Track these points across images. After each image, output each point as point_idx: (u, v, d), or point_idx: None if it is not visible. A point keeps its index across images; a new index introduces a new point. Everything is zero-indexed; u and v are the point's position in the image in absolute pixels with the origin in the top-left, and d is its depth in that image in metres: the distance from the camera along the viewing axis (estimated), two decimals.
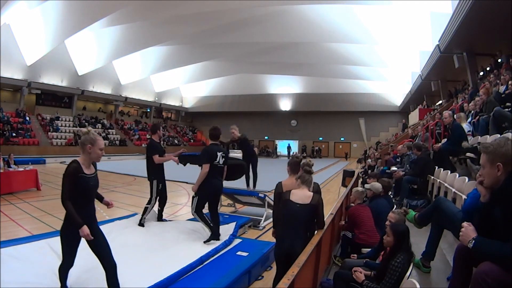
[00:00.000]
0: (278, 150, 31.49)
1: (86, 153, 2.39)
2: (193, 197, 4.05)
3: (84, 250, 2.46)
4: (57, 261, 3.09)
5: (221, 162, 4.01)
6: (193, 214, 4.07)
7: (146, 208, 4.57)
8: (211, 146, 4.05)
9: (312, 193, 2.60)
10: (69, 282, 2.57)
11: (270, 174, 12.83)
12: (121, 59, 22.13)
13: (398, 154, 6.96)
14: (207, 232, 4.15)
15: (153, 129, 4.74)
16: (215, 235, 3.92)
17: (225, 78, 28.07)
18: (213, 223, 4.06)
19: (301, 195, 2.57)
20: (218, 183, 4.08)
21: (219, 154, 3.98)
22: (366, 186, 3.94)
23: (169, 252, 3.43)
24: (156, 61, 23.18)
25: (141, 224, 4.51)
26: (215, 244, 3.82)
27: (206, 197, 4.03)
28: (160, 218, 4.81)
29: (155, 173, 4.55)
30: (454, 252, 1.80)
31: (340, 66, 21.63)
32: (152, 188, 4.57)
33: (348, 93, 26.51)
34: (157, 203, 4.71)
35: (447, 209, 2.48)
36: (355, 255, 3.09)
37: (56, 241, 3.71)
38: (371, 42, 16.91)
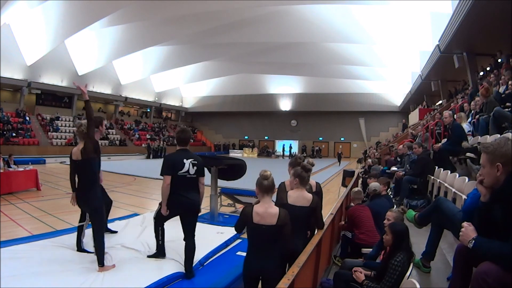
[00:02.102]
0: (285, 151, 29.99)
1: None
2: (160, 202, 3.20)
3: None
4: (57, 261, 3.10)
5: (191, 172, 3.07)
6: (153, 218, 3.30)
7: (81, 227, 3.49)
8: (175, 153, 3.16)
9: (311, 195, 2.54)
10: None
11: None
12: (121, 59, 22.14)
13: (398, 154, 6.96)
14: (207, 232, 4.15)
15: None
16: (160, 252, 3.27)
17: (225, 78, 28.09)
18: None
19: (300, 198, 2.51)
20: (185, 200, 3.05)
21: (187, 162, 3.06)
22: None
23: (169, 252, 3.42)
24: (156, 61, 23.20)
25: (80, 247, 3.41)
26: (215, 244, 3.82)
27: (171, 212, 3.11)
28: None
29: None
30: (454, 252, 1.80)
31: (341, 66, 21.65)
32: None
33: (348, 93, 26.54)
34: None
35: (447, 209, 2.48)
36: (361, 258, 2.96)
37: (56, 241, 3.73)
38: (371, 43, 16.93)
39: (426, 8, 12.82)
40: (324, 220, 2.73)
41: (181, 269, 3.08)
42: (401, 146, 6.90)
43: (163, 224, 3.22)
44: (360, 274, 2.29)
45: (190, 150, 3.25)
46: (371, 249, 2.98)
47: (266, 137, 32.01)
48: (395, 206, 3.86)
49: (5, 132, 17.13)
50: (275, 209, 2.18)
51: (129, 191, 8.90)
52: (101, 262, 2.96)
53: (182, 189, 3.04)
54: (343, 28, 16.04)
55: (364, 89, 25.83)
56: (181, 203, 3.06)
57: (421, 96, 18.92)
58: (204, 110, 32.21)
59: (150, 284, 2.71)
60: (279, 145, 31.44)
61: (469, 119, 5.64)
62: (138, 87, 26.70)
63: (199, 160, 3.18)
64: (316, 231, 2.66)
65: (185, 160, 3.06)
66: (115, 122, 26.11)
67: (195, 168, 3.10)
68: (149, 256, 3.31)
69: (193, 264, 3.13)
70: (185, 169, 3.05)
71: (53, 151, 18.68)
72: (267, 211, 2.16)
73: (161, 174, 3.02)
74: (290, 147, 29.51)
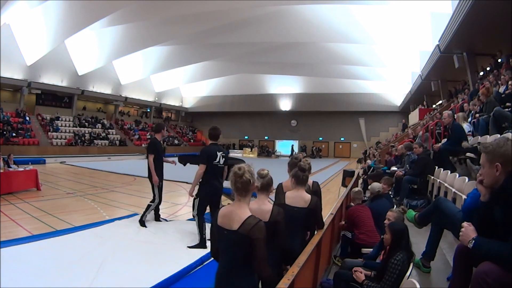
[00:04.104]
0: (293, 151, 28.53)
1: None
2: (194, 199, 4.03)
3: None
4: (57, 261, 3.11)
5: (221, 162, 3.93)
6: (193, 216, 4.07)
7: (149, 206, 4.63)
8: (210, 146, 3.99)
9: (310, 196, 2.51)
10: None
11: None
12: (121, 59, 22.13)
13: (397, 154, 6.95)
14: (208, 231, 4.16)
15: (157, 128, 4.95)
16: (202, 244, 3.81)
17: (225, 78, 28.07)
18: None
19: (298, 199, 2.48)
20: (218, 184, 4.00)
21: (219, 154, 3.90)
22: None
23: (170, 252, 3.43)
24: (156, 61, 23.19)
25: (142, 221, 4.52)
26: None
27: (207, 198, 3.97)
28: (157, 218, 4.85)
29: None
30: (454, 252, 1.80)
31: (341, 66, 21.64)
32: (153, 187, 4.58)
33: (348, 93, 26.52)
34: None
35: (447, 209, 2.48)
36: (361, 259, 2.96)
37: (56, 241, 3.74)
38: (371, 43, 16.92)
39: (426, 8, 12.81)
40: (324, 220, 2.72)
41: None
42: (400, 146, 6.90)
43: (204, 218, 3.94)
44: (360, 274, 2.29)
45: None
46: (371, 249, 2.97)
47: (266, 137, 32.01)
48: (395, 206, 3.86)
49: (5, 132, 17.13)
50: (268, 206, 2.16)
51: (129, 191, 8.90)
52: None
53: (214, 176, 3.91)
54: (343, 28, 16.02)
55: (364, 89, 25.81)
56: (214, 188, 3.94)
57: (421, 96, 18.89)
58: (204, 110, 32.20)
59: (153, 286, 2.71)
60: (282, 145, 31.28)
61: (469, 119, 5.64)
62: (138, 87, 26.68)
63: (226, 152, 4.11)
64: (316, 232, 2.65)
65: (218, 153, 3.91)
66: (115, 122, 26.10)
67: (223, 159, 3.96)
68: (189, 247, 3.76)
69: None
70: (217, 159, 3.89)
71: (53, 151, 18.68)
72: (260, 207, 2.14)
73: (199, 163, 3.87)
74: (299, 147, 29.48)
